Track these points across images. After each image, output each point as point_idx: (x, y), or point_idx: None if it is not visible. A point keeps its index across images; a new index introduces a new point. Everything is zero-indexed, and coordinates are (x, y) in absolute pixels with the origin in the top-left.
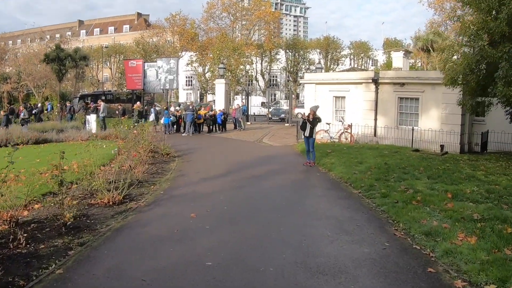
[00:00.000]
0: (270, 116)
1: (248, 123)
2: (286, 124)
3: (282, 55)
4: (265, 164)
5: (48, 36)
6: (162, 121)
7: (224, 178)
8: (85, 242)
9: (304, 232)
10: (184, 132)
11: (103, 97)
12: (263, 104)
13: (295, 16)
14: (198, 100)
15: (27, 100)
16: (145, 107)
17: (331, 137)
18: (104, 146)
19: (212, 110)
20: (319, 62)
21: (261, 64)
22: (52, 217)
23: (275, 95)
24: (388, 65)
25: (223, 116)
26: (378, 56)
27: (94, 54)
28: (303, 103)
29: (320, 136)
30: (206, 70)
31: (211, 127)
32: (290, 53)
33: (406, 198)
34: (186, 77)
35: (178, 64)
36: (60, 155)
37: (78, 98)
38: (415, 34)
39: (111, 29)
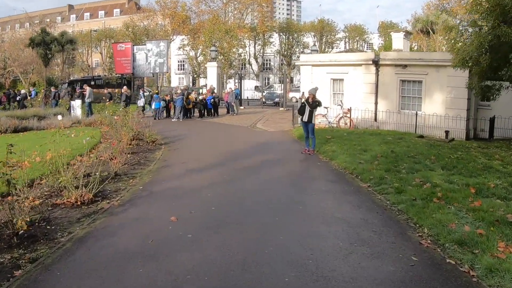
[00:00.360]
0: (264, 100)
1: (242, 107)
2: (280, 109)
3: (275, 38)
4: (260, 153)
5: (37, 22)
6: (153, 106)
7: (214, 170)
8: (38, 257)
9: (310, 243)
10: (174, 117)
11: (92, 82)
12: (256, 88)
13: (288, 0)
14: (191, 84)
15: (14, 87)
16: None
17: (329, 122)
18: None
19: (213, 93)
20: (314, 45)
21: (254, 47)
22: (3, 224)
23: (268, 79)
24: (385, 48)
25: (212, 100)
26: (373, 39)
27: (84, 38)
28: (298, 87)
29: (318, 121)
30: (198, 54)
31: (202, 112)
32: (284, 36)
33: (424, 194)
34: (178, 61)
35: (169, 47)
36: (7, 149)
37: (67, 84)
38: (412, 17)
39: (101, 13)
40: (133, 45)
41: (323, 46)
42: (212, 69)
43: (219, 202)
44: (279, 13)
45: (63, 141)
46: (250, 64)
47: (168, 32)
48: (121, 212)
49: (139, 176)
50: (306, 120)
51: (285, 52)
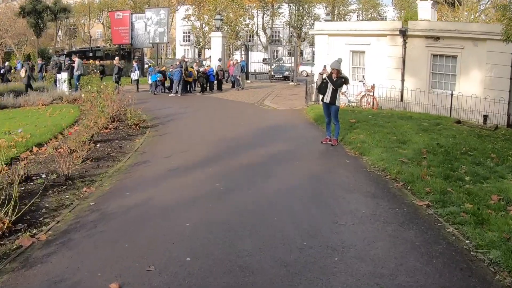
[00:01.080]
0: (272, 74)
1: (248, 81)
2: (290, 83)
3: (285, 9)
4: (268, 141)
5: None
6: (149, 79)
7: (204, 170)
8: None
9: None
10: (172, 92)
11: (91, 54)
12: (264, 60)
13: None
14: (196, 56)
15: (8, 59)
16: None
17: (349, 101)
18: (56, 113)
19: (234, 63)
20: (329, 14)
21: (263, 18)
22: None
23: (277, 51)
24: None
25: (214, 72)
26: (388, 12)
27: (86, 9)
28: (308, 60)
29: None
30: (204, 25)
31: (204, 86)
32: (294, 7)
33: None
34: (184, 32)
35: (170, 15)
36: None
37: (64, 56)
38: None
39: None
40: (132, 14)
41: (335, 18)
42: (216, 39)
43: (200, 244)
44: None
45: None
46: (258, 35)
47: (172, 2)
48: (40, 262)
49: (99, 181)
50: (328, 101)
51: (295, 24)
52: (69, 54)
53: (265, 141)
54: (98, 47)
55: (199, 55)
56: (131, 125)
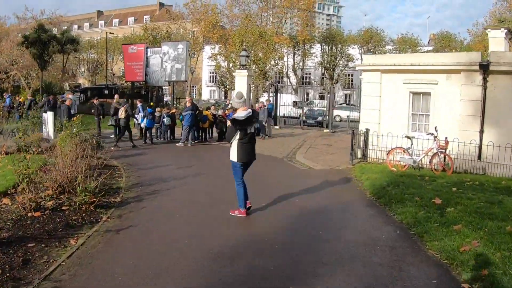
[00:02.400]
0: (304, 118)
1: (276, 127)
2: (325, 130)
3: (316, 49)
4: (312, 266)
5: (65, 28)
6: (140, 121)
7: None
8: None
9: None
10: (180, 141)
11: (106, 91)
12: (295, 104)
13: (328, 15)
14: (223, 97)
15: (17, 94)
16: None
17: (414, 162)
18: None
19: (259, 106)
20: (369, 50)
21: (293, 58)
22: None
23: (307, 94)
24: None
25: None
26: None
27: (109, 45)
28: (341, 104)
29: (396, 157)
30: (230, 64)
31: (224, 131)
32: (327, 47)
33: None
34: (210, 72)
35: (188, 49)
36: None
37: (80, 92)
38: (486, 19)
39: (130, 19)
40: (147, 48)
41: None
42: (241, 78)
43: None
44: (319, 27)
45: None
46: (288, 77)
47: (197, 40)
48: None
49: None
50: None
51: (328, 64)
52: (84, 91)
53: (308, 265)
54: (115, 84)
55: (226, 97)
56: (81, 204)
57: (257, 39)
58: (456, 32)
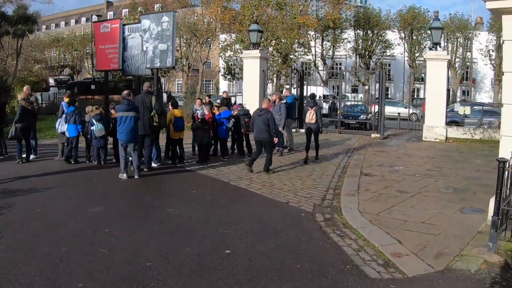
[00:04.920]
0: (341, 118)
1: (301, 130)
2: (373, 135)
3: (349, 34)
4: None
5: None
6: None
7: None
8: None
9: None
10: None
11: (93, 86)
12: (326, 97)
13: (355, 7)
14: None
15: None
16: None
17: None
18: None
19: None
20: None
21: (322, 45)
22: None
23: (338, 87)
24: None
25: (230, 118)
26: (479, 36)
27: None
28: (377, 98)
29: None
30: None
31: (214, 146)
32: (361, 31)
33: None
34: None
35: (175, 22)
36: None
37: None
38: None
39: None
40: (124, 25)
41: (411, 47)
42: (251, 62)
43: None
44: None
45: None
46: (316, 66)
47: (210, 26)
48: None
49: None
50: None
51: (363, 51)
52: (71, 86)
53: None
54: (98, 78)
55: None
56: None
57: (274, 11)
58: None
